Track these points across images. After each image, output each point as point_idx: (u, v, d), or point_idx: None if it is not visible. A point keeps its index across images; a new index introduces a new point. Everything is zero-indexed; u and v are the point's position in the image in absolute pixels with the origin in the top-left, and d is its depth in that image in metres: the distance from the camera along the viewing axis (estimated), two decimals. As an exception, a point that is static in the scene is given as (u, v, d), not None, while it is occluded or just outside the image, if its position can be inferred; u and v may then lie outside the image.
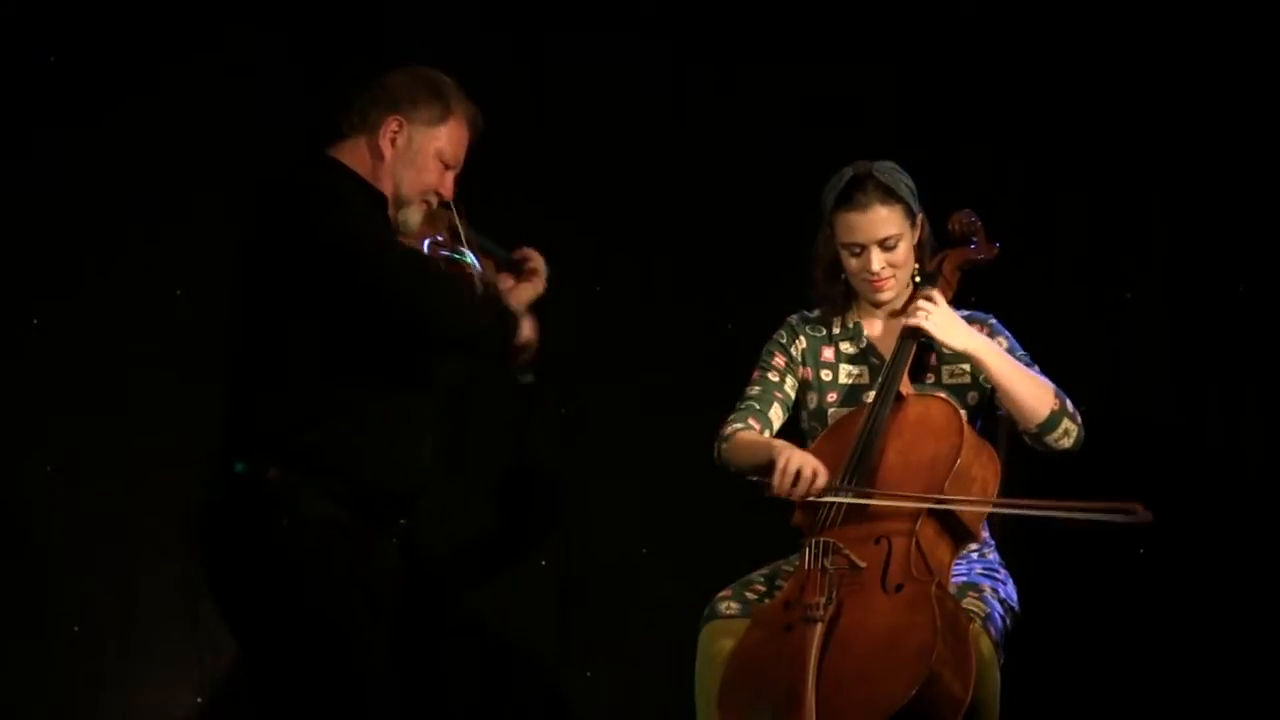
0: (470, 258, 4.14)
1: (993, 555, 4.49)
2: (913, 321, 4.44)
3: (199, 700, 5.30)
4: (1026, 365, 4.48)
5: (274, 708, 3.96)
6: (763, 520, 4.54)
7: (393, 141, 4.10)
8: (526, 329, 4.15)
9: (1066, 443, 4.42)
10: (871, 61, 5.58)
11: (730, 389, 4.72)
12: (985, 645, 4.20)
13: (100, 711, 5.28)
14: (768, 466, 4.36)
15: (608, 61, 5.58)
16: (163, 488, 5.18)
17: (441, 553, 5.46)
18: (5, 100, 5.22)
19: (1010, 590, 4.42)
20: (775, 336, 4.67)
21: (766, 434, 4.57)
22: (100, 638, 5.27)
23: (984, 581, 4.38)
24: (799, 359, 4.63)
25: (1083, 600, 5.36)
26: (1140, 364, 5.50)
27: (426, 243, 4.16)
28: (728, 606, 4.44)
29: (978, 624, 4.22)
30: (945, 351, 4.51)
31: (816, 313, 4.67)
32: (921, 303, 4.44)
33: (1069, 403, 4.42)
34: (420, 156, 4.12)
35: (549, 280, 4.24)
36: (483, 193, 4.26)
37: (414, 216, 4.13)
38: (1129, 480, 5.00)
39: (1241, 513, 5.42)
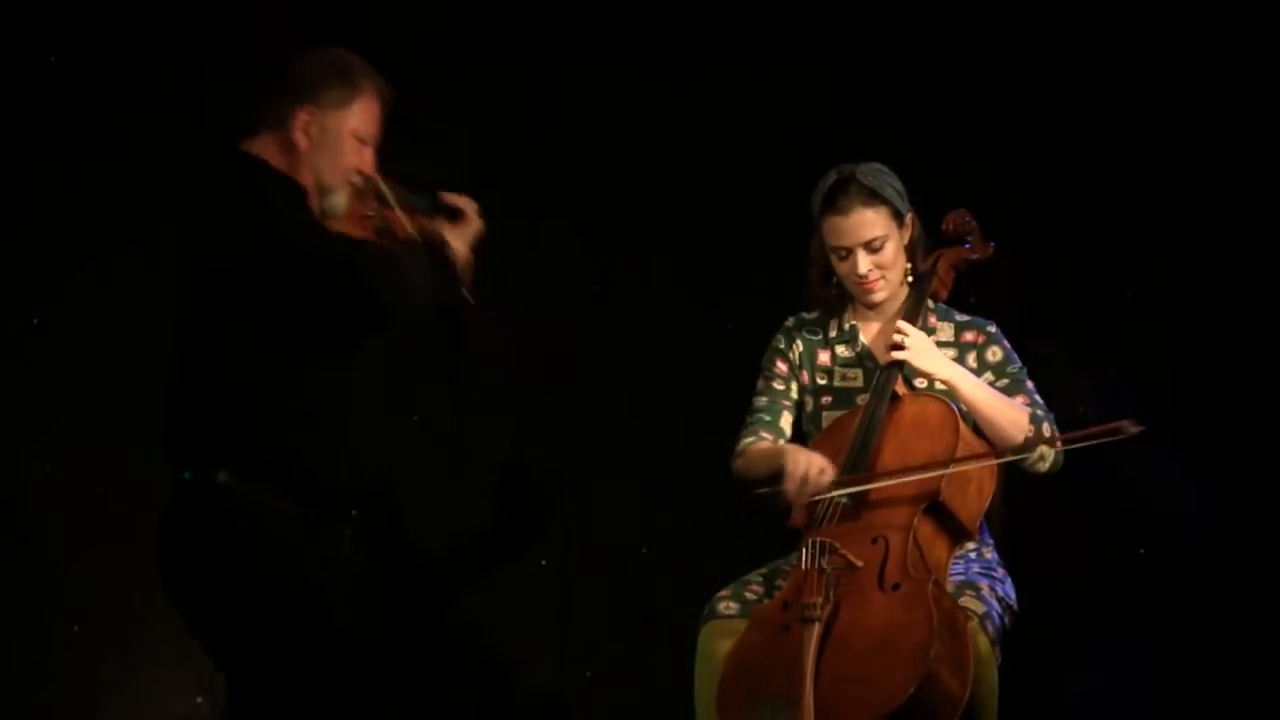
0: (404, 218, 4.12)
1: (991, 554, 4.49)
2: (891, 356, 4.46)
3: (199, 700, 5.30)
4: (1021, 379, 4.51)
5: (257, 709, 3.95)
6: (762, 520, 4.55)
7: (305, 131, 4.07)
8: (459, 248, 4.12)
9: (1043, 466, 4.45)
10: (872, 61, 5.58)
11: (730, 389, 4.72)
12: (983, 644, 4.21)
13: (100, 711, 5.28)
14: (778, 472, 4.39)
15: (608, 61, 5.58)
16: (163, 487, 5.17)
17: (442, 552, 5.47)
18: (5, 100, 5.23)
19: (1008, 589, 4.42)
20: (774, 342, 4.68)
21: (780, 443, 4.58)
22: (100, 638, 5.28)
23: (981, 580, 4.38)
24: (798, 363, 4.64)
25: (1081, 600, 5.36)
26: (1139, 364, 5.50)
27: (357, 221, 4.14)
28: (726, 606, 4.44)
29: (975, 622, 4.23)
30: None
31: (815, 314, 4.67)
32: (896, 336, 4.45)
33: (1046, 427, 4.44)
34: (335, 141, 4.09)
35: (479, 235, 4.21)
36: (484, 193, 4.25)
37: (339, 201, 4.11)
38: (1129, 482, 5.05)
39: (1241, 513, 5.42)
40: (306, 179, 4.09)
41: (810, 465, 4.36)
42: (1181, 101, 5.48)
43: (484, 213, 4.21)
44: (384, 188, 4.13)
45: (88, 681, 5.26)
